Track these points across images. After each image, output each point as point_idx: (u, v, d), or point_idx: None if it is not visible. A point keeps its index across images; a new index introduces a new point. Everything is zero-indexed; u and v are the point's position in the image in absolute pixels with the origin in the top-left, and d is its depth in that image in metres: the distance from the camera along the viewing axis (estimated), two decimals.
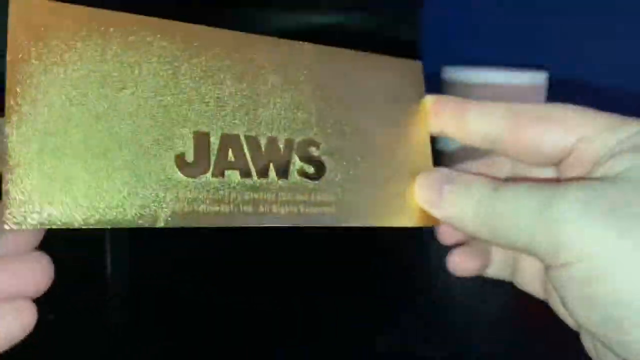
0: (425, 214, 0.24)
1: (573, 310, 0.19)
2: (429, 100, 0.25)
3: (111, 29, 0.19)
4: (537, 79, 0.69)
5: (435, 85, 0.83)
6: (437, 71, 0.76)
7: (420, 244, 0.50)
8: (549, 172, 0.24)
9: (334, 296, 0.42)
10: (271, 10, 0.81)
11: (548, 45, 0.80)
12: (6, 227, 0.17)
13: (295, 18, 0.87)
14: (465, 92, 0.70)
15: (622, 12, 0.76)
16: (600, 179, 0.20)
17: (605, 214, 0.18)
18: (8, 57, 0.17)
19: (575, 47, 0.79)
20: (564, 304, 0.20)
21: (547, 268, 0.20)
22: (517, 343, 0.38)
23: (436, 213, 0.23)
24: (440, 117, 0.25)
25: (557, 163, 0.23)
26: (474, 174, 0.24)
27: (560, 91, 0.75)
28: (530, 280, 0.25)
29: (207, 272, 0.46)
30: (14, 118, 0.17)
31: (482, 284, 0.47)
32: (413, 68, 0.26)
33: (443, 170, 0.24)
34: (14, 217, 0.17)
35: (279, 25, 0.84)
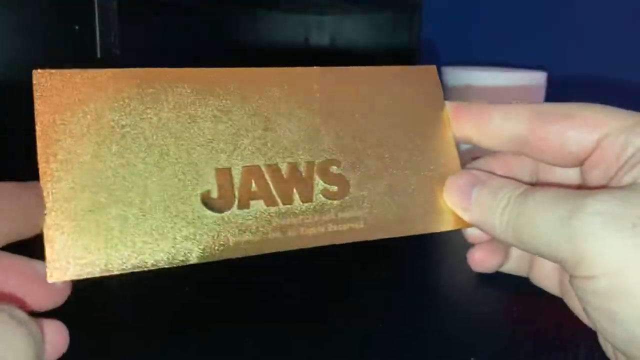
0: (454, 217, 0.24)
1: (596, 321, 0.19)
2: (450, 106, 0.25)
3: (125, 85, 0.21)
4: (537, 79, 0.69)
5: None
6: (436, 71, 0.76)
7: (419, 245, 0.50)
8: (572, 173, 0.24)
9: (333, 296, 0.42)
10: (271, 10, 0.81)
11: (548, 45, 0.80)
12: (49, 280, 0.18)
13: (295, 18, 0.87)
14: (465, 92, 0.70)
15: (622, 13, 0.76)
16: (624, 189, 0.19)
17: (630, 229, 0.18)
18: (37, 127, 0.19)
19: (575, 47, 0.79)
20: (587, 312, 0.19)
21: (571, 276, 0.19)
22: (516, 343, 0.38)
23: (465, 216, 0.23)
24: (464, 123, 0.25)
25: (581, 163, 0.23)
26: (501, 175, 0.24)
27: (560, 91, 0.75)
28: (546, 278, 0.25)
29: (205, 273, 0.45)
30: (47, 180, 0.19)
31: (480, 285, 0.47)
32: (427, 73, 0.26)
33: (471, 173, 0.24)
34: (52, 271, 0.18)
35: (278, 26, 0.84)
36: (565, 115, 0.22)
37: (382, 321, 0.40)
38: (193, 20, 0.71)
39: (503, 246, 0.25)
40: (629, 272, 0.17)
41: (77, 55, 0.36)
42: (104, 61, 0.36)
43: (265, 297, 0.42)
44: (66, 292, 0.19)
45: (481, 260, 0.25)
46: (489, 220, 0.22)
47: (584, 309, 0.20)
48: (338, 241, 0.22)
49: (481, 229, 0.23)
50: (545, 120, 0.22)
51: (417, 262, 0.50)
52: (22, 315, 0.16)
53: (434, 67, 0.26)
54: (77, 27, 0.36)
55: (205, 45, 0.73)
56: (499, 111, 0.24)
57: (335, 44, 0.89)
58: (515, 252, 0.26)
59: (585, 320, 0.22)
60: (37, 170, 0.19)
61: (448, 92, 0.72)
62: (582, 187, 0.23)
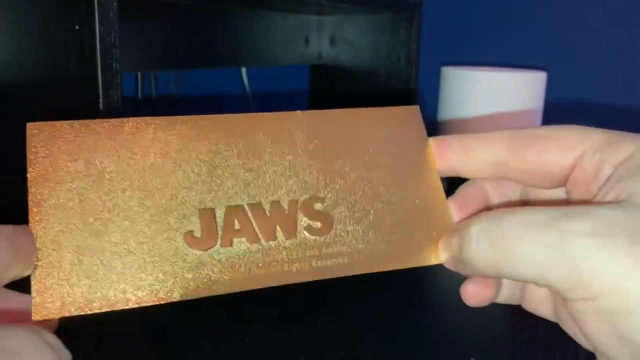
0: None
1: (597, 342, 0.19)
2: (433, 142, 0.26)
3: (113, 134, 0.22)
4: (537, 79, 0.69)
5: (435, 85, 0.83)
6: (437, 71, 0.76)
7: None
8: (558, 193, 0.24)
9: (331, 296, 0.42)
10: (271, 10, 0.81)
11: (548, 45, 0.80)
12: (33, 318, 0.19)
13: (295, 18, 0.87)
14: (465, 92, 0.70)
15: (622, 12, 0.76)
16: (611, 206, 0.19)
17: (626, 248, 0.18)
18: (29, 175, 0.21)
19: (575, 48, 0.79)
20: (586, 335, 0.19)
21: (566, 299, 0.19)
22: (517, 343, 0.38)
23: (455, 266, 0.23)
24: (446, 156, 0.25)
25: (563, 183, 0.23)
26: (490, 196, 0.25)
27: (560, 91, 0.75)
28: (539, 305, 0.25)
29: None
30: (37, 223, 0.20)
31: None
32: (410, 113, 0.26)
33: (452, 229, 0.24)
34: (37, 308, 0.19)
35: (278, 26, 0.84)
36: (538, 137, 0.23)
37: (383, 321, 0.40)
38: (193, 20, 0.71)
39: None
40: (632, 290, 0.17)
41: (78, 55, 0.36)
42: (104, 55, 0.36)
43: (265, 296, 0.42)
44: (53, 326, 0.20)
45: (475, 293, 0.24)
46: (465, 258, 0.22)
47: (584, 332, 0.19)
48: (322, 276, 0.23)
49: (462, 270, 0.23)
50: (520, 144, 0.23)
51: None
52: (53, 338, 0.17)
53: (416, 107, 0.27)
54: (77, 27, 0.36)
55: (205, 45, 0.73)
56: (477, 141, 0.24)
57: (335, 44, 0.89)
58: (506, 281, 0.25)
59: (584, 343, 0.22)
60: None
61: (448, 91, 0.72)
62: (570, 204, 0.23)
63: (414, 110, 0.27)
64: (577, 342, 0.23)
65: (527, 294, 0.25)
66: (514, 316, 0.40)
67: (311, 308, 0.41)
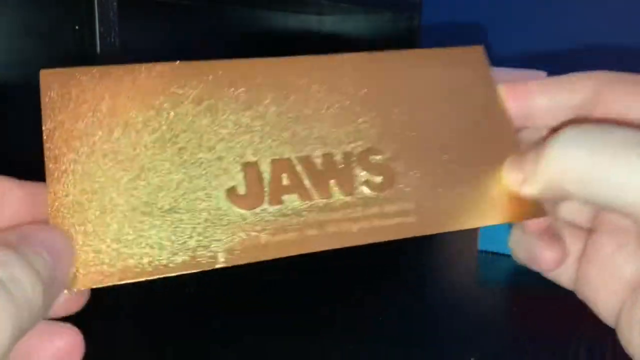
0: (512, 210, 0.21)
1: None
2: (505, 87, 0.23)
3: (140, 80, 0.19)
4: (537, 79, 0.69)
5: None
6: None
7: (419, 244, 0.50)
8: None
9: (331, 296, 0.42)
10: (271, 10, 0.81)
11: (548, 45, 0.80)
12: (74, 289, 0.17)
13: (295, 18, 0.87)
14: None
15: (622, 13, 0.76)
16: None
17: None
18: (44, 127, 0.18)
19: (575, 48, 0.79)
20: None
21: None
22: (517, 343, 0.38)
23: (530, 189, 0.20)
24: (523, 101, 0.22)
25: None
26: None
27: None
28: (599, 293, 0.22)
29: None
30: (55, 182, 0.18)
31: (480, 285, 0.47)
32: (474, 53, 0.24)
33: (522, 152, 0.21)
34: (75, 279, 0.17)
35: (279, 25, 0.84)
36: (631, 79, 0.20)
37: (383, 320, 0.40)
38: (193, 20, 0.71)
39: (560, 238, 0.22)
40: None
41: (78, 55, 0.36)
42: (104, 55, 0.36)
43: (264, 294, 0.42)
44: (83, 300, 0.18)
45: (554, 258, 0.21)
46: (557, 182, 0.19)
47: None
48: (386, 237, 0.20)
49: (550, 197, 0.20)
50: (611, 86, 0.21)
51: (417, 262, 0.50)
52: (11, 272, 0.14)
53: (481, 47, 0.24)
54: (77, 27, 0.36)
55: (205, 45, 0.73)
56: (560, 82, 0.22)
57: (335, 44, 0.89)
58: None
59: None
60: (42, 171, 0.18)
61: None
62: None
63: (478, 51, 0.24)
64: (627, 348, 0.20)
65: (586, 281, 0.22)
66: (515, 316, 0.40)
67: (310, 307, 0.41)
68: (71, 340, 0.18)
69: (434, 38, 0.86)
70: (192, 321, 0.39)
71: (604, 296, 0.21)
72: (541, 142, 0.20)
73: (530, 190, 0.20)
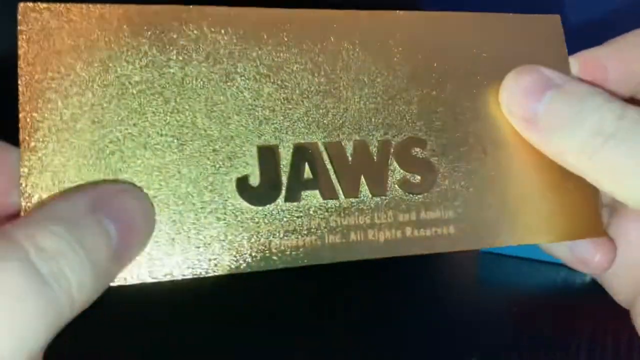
0: (576, 224, 0.18)
1: None
2: (581, 58, 0.20)
3: (141, 26, 0.16)
4: (552, 22, 0.68)
5: None
6: None
7: None
8: None
9: (328, 295, 0.42)
10: None
11: None
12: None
13: None
14: None
15: (622, 13, 0.76)
16: None
17: None
18: (20, 80, 0.15)
19: (574, 48, 0.79)
20: None
21: None
22: (515, 345, 0.38)
23: (527, 132, 0.17)
24: (598, 73, 0.19)
25: None
26: (587, 81, 0.18)
27: None
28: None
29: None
30: (29, 151, 0.15)
31: (480, 285, 0.47)
32: (550, 23, 0.20)
33: (544, 72, 0.18)
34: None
35: None
36: None
37: (383, 320, 0.40)
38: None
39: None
40: None
41: None
42: None
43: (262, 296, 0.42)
44: None
45: (607, 260, 0.19)
46: (565, 145, 0.16)
47: None
48: (417, 251, 0.17)
49: (547, 149, 0.17)
50: None
51: (417, 262, 0.50)
52: (52, 267, 0.12)
53: (558, 16, 0.21)
54: None
55: None
56: (632, 51, 0.19)
57: None
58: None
59: None
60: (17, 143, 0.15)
61: None
62: None
63: (555, 21, 0.21)
64: None
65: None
66: (515, 316, 0.40)
67: (308, 306, 0.41)
68: None
69: None
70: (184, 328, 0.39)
71: (623, 280, 0.20)
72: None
73: (526, 132, 0.18)
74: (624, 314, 0.22)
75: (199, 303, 0.41)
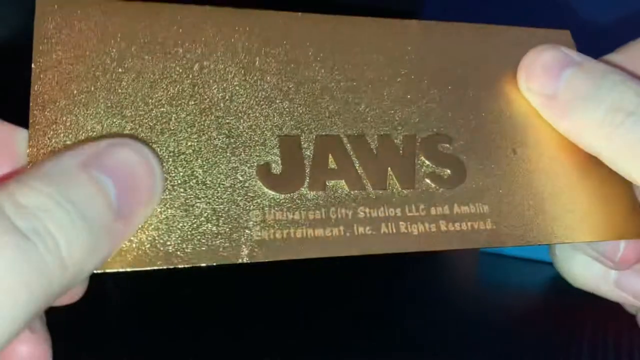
0: (616, 223, 0.18)
1: None
2: None
3: (158, 22, 0.16)
4: (561, 38, 0.68)
5: None
6: None
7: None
8: None
9: (329, 297, 0.42)
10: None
11: None
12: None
13: None
14: None
15: (621, 12, 0.76)
16: None
17: None
18: (34, 65, 0.15)
19: (575, 47, 0.79)
20: None
21: None
22: (515, 345, 0.38)
23: (549, 113, 0.17)
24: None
25: None
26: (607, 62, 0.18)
27: None
28: None
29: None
30: (40, 133, 0.14)
31: (480, 284, 0.47)
32: (561, 39, 0.21)
33: (564, 49, 0.18)
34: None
35: None
36: None
37: (382, 320, 0.40)
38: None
39: None
40: None
41: None
42: None
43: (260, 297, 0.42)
44: (81, 290, 0.16)
45: (636, 252, 0.18)
46: (585, 118, 0.16)
47: None
48: (454, 245, 0.16)
49: (564, 127, 0.17)
50: None
51: (417, 262, 0.50)
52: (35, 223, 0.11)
53: (568, 32, 0.22)
54: None
55: None
56: None
57: None
58: None
59: None
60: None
61: None
62: None
63: (565, 37, 0.21)
64: None
65: None
66: (515, 316, 0.40)
67: (307, 305, 0.41)
68: (36, 349, 0.15)
69: None
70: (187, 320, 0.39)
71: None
72: None
73: (546, 110, 0.18)
74: (624, 314, 0.22)
75: (198, 299, 0.41)
